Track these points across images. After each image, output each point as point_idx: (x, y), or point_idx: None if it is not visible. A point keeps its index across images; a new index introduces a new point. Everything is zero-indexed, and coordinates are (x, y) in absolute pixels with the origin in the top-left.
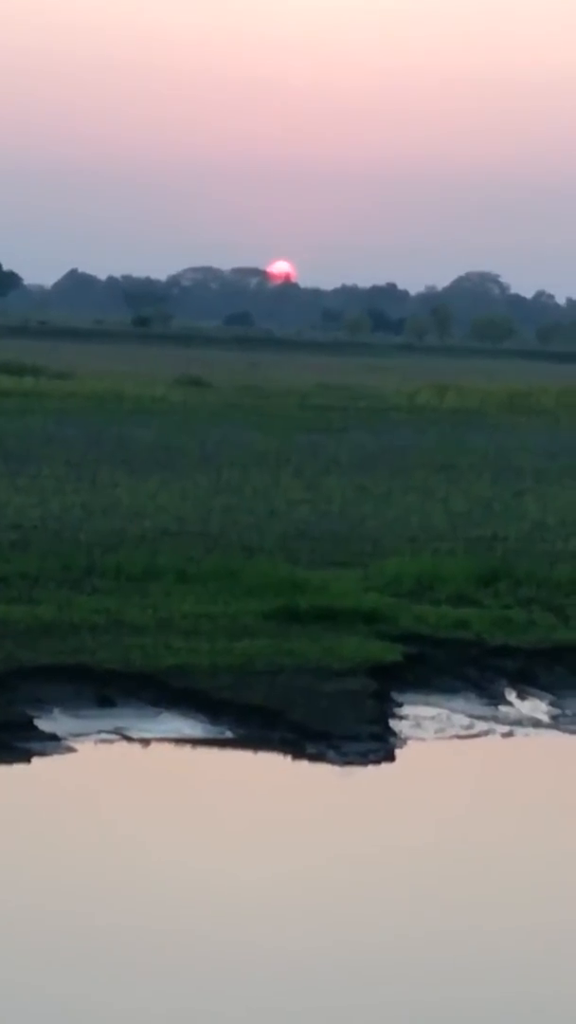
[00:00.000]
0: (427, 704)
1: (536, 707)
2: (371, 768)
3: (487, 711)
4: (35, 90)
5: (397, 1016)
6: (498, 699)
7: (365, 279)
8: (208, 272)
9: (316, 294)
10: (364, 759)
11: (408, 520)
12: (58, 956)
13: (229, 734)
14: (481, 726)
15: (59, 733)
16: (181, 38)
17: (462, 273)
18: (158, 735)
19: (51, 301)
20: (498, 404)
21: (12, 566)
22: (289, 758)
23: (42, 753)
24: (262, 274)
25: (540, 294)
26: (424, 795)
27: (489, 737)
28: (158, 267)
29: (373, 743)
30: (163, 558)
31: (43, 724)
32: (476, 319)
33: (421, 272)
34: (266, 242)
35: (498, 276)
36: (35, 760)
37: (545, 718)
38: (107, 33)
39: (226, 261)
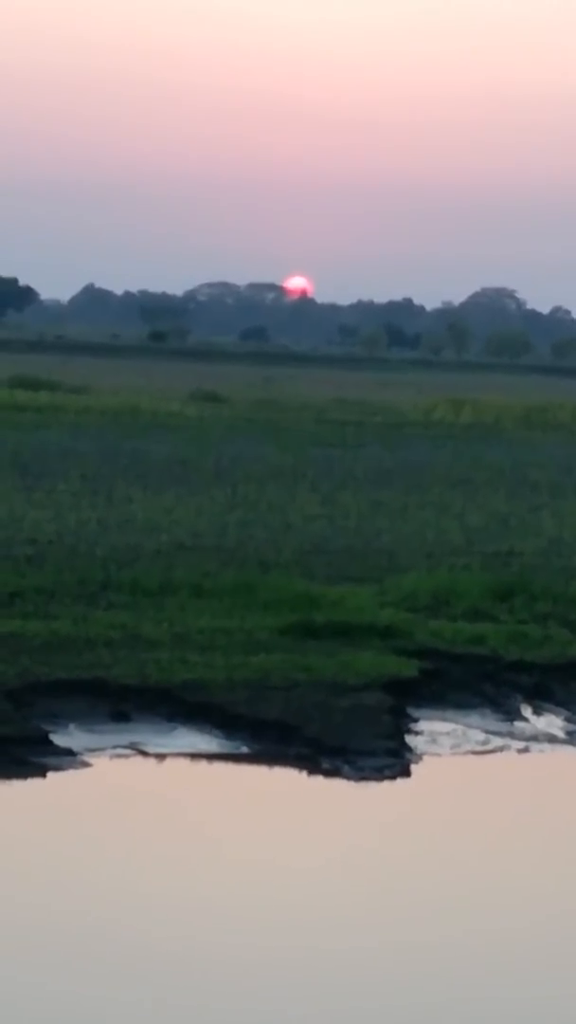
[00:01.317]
0: (443, 719)
1: (552, 723)
2: (387, 783)
3: (503, 727)
4: (51, 106)
5: None
6: (514, 715)
7: (381, 294)
8: (224, 287)
9: (332, 309)
10: (380, 774)
11: (424, 535)
12: (74, 969)
13: (244, 749)
14: (497, 742)
15: (75, 748)
16: (197, 54)
17: (478, 288)
18: (173, 750)
19: (67, 316)
20: (514, 419)
21: (28, 581)
22: (304, 773)
23: (58, 768)
24: (278, 289)
25: (556, 309)
26: (440, 811)
27: (505, 753)
28: (174, 282)
29: (389, 758)
30: (179, 573)
31: (59, 739)
32: (492, 334)
33: (437, 287)
34: (282, 257)
35: (514, 291)
36: (50, 775)
37: (561, 734)
38: (125, 49)
39: (242, 276)
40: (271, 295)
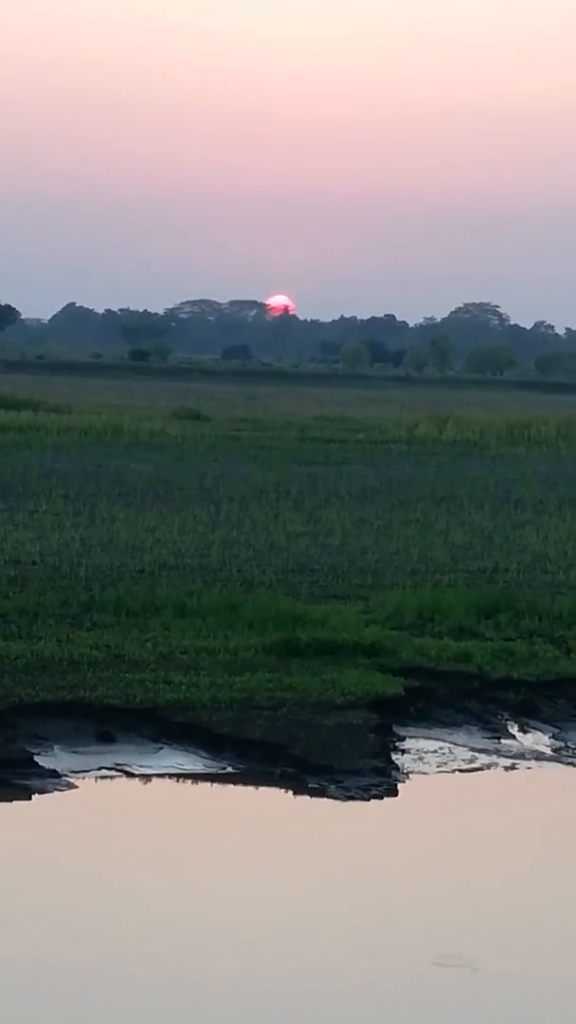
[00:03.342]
0: (429, 737)
1: (539, 740)
2: (373, 802)
3: (489, 744)
4: (31, 125)
5: None
6: (500, 732)
7: (364, 311)
8: (206, 305)
9: (314, 326)
10: (366, 793)
11: (409, 552)
12: (58, 994)
13: (230, 769)
14: (483, 759)
15: (59, 769)
16: (177, 74)
17: (460, 304)
18: (159, 770)
19: (49, 335)
20: (498, 435)
21: (11, 602)
22: (291, 793)
23: (42, 790)
24: (260, 306)
25: (539, 324)
26: (427, 829)
27: (492, 771)
28: (156, 300)
29: (375, 777)
30: (162, 592)
31: (43, 760)
32: (475, 350)
33: (420, 303)
34: (264, 274)
35: (497, 307)
36: (35, 797)
37: (548, 751)
38: (104, 69)
39: (224, 294)
40: (253, 312)
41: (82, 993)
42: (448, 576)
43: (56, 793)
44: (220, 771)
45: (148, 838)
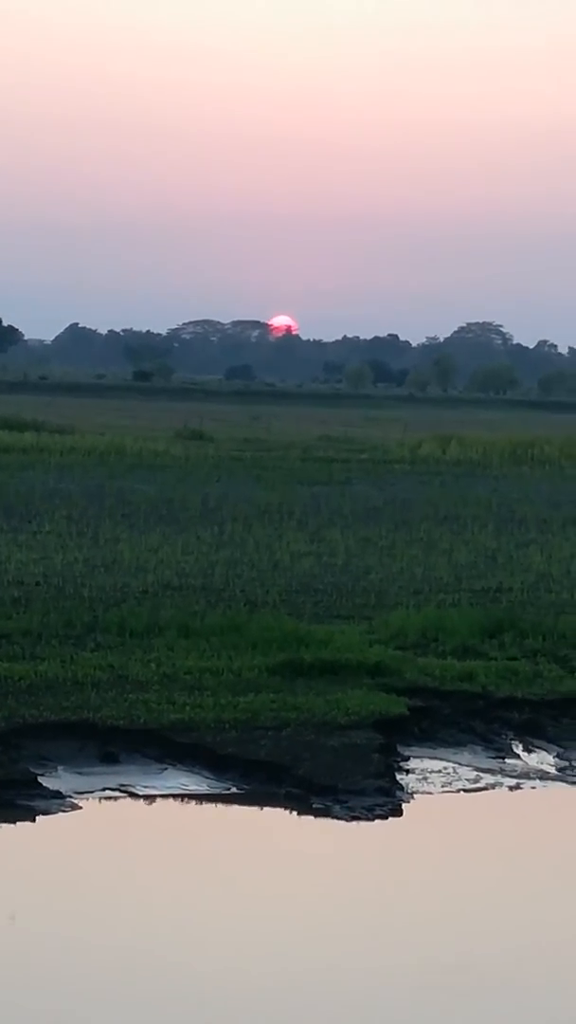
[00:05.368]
0: (433, 757)
1: (543, 759)
2: (378, 823)
3: (494, 764)
4: (35, 146)
5: None
6: (505, 752)
7: (366, 331)
8: (209, 325)
9: (317, 346)
10: (371, 814)
11: (412, 572)
12: (62, 1013)
13: (234, 789)
14: (488, 779)
15: (63, 790)
16: (178, 94)
17: (463, 323)
18: (163, 791)
19: (51, 356)
20: (501, 455)
21: (14, 623)
22: (295, 813)
23: (46, 811)
24: (263, 327)
25: (542, 344)
26: (431, 850)
27: (496, 790)
28: (158, 321)
29: (380, 797)
30: (166, 613)
31: (47, 781)
32: (478, 369)
33: (423, 323)
34: (267, 295)
35: (500, 326)
36: (39, 818)
37: (552, 770)
38: (106, 90)
39: (227, 314)
40: (256, 333)
41: (86, 1013)
42: (452, 596)
43: (60, 814)
44: (224, 791)
45: (152, 859)
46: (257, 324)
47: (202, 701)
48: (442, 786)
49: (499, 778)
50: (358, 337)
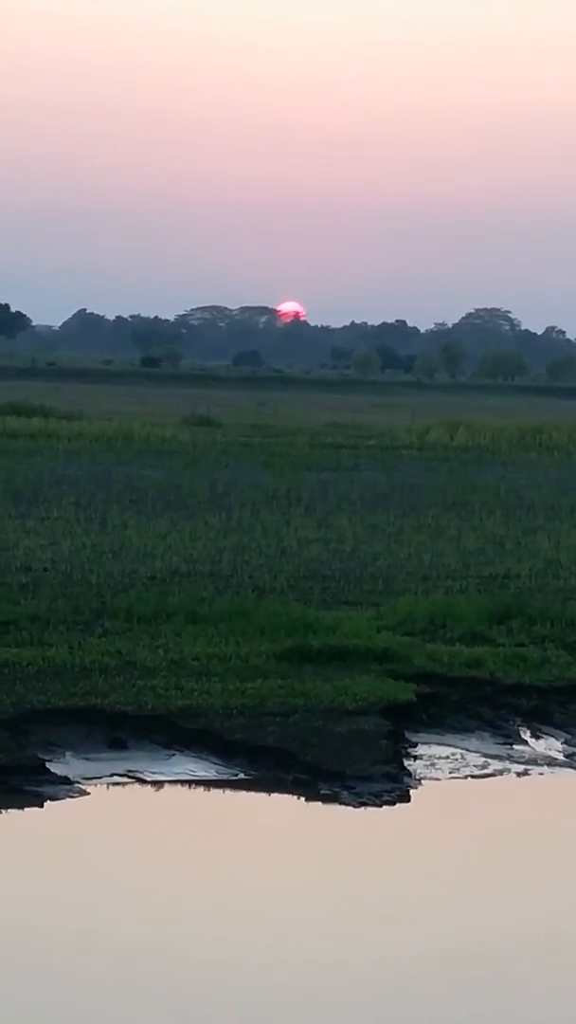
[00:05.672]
0: (441, 743)
1: (551, 745)
2: (386, 809)
3: (502, 750)
4: (42, 132)
5: None
6: (513, 738)
7: (374, 317)
8: (217, 311)
9: (325, 332)
10: (378, 799)
11: (420, 558)
12: (69, 1001)
13: (242, 775)
14: (496, 765)
15: (71, 776)
16: (189, 80)
17: (471, 309)
18: (171, 777)
19: (59, 342)
20: (509, 441)
21: (22, 608)
22: (303, 799)
23: (54, 797)
24: (271, 313)
25: (550, 330)
26: (439, 835)
27: (504, 776)
28: (166, 307)
29: (387, 783)
30: (174, 599)
31: (55, 767)
32: (486, 355)
33: (431, 309)
34: (275, 281)
35: (508, 312)
36: (47, 804)
37: (560, 756)
38: (115, 75)
39: (235, 300)
40: (264, 319)
41: (93, 1000)
42: (460, 582)
43: (68, 800)
44: (232, 777)
45: (160, 845)
46: (265, 310)
47: (210, 687)
48: (450, 772)
49: (507, 764)
50: (366, 323)
